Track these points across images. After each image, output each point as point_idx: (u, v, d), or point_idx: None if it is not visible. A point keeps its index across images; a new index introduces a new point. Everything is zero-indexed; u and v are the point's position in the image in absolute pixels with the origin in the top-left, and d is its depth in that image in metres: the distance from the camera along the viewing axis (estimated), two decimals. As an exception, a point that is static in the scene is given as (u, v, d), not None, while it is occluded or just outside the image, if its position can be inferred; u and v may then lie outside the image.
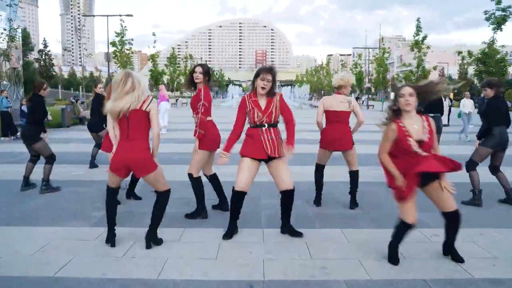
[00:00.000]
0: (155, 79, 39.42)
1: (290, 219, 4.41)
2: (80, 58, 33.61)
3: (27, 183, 6.44)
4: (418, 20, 30.11)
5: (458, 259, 3.70)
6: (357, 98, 49.11)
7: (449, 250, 3.76)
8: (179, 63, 51.20)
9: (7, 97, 14.63)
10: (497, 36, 21.92)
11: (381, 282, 3.28)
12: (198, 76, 4.77)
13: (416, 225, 3.57)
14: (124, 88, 3.68)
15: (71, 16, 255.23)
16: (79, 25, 28.79)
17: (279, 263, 3.65)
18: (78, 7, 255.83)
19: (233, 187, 4.15)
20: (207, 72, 4.85)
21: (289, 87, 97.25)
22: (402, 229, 3.58)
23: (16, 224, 4.70)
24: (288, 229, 4.37)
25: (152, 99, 3.85)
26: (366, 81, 49.17)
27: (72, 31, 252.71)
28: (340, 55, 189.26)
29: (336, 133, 5.20)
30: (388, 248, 3.69)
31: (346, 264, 3.64)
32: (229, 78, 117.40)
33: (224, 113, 21.56)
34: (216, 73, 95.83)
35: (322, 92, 73.44)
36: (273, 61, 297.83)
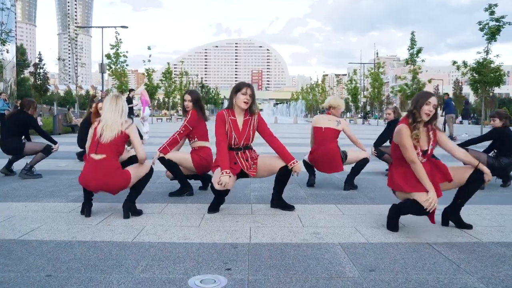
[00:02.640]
0: (151, 93, 39.24)
1: (282, 196, 4.10)
2: (76, 67, 33.36)
3: (8, 168, 6.12)
4: (412, 34, 30.32)
5: (464, 225, 3.39)
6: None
7: (455, 217, 3.45)
8: (174, 79, 51.07)
9: (5, 100, 14.37)
10: (491, 47, 21.98)
11: (380, 245, 2.96)
12: (188, 105, 4.72)
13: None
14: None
15: (69, 35, 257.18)
16: (73, 35, 28.69)
17: (268, 230, 3.33)
18: (76, 22, 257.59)
19: (211, 184, 3.73)
20: (197, 99, 4.75)
21: (285, 104, 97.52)
22: (418, 208, 3.18)
23: (-14, 201, 4.36)
24: (279, 203, 4.05)
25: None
26: (361, 97, 49.13)
27: (69, 50, 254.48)
28: (336, 75, 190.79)
29: (323, 155, 5.02)
30: (389, 212, 3.38)
31: (341, 231, 3.32)
32: (224, 97, 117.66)
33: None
34: (212, 91, 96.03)
35: (318, 111, 73.41)
36: (269, 80, 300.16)
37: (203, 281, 2.28)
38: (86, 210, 3.68)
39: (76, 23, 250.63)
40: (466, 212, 3.82)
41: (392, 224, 3.35)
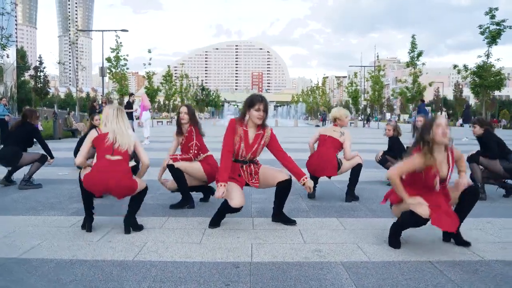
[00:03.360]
0: (151, 96, 39.32)
1: (283, 211, 4.08)
2: (77, 70, 33.44)
3: (8, 178, 6.12)
4: (413, 37, 30.34)
5: (462, 242, 3.37)
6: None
7: (454, 234, 3.43)
8: (175, 82, 51.13)
9: (5, 105, 14.37)
10: (492, 50, 22.01)
11: (382, 264, 2.94)
12: (183, 117, 4.73)
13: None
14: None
15: (69, 38, 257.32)
16: (74, 38, 28.75)
17: (269, 247, 3.31)
18: (76, 25, 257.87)
19: (231, 205, 3.63)
20: (193, 114, 4.80)
21: (285, 106, 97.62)
22: (413, 220, 3.17)
23: (-13, 214, 4.34)
24: (280, 218, 4.04)
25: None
26: (361, 100, 49.13)
27: (70, 53, 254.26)
28: (336, 77, 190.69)
29: (320, 159, 5.07)
30: (390, 229, 3.36)
31: (343, 248, 3.30)
32: (225, 99, 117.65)
33: (221, 131, 21.35)
34: (213, 94, 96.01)
35: (318, 113, 73.49)
36: (269, 83, 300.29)
37: (204, 305, 2.26)
38: (87, 225, 3.67)
39: (76, 25, 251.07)
40: (469, 227, 3.81)
41: (394, 241, 3.33)
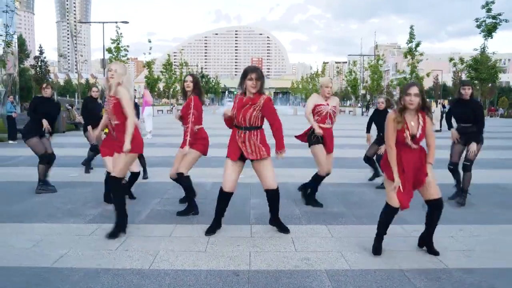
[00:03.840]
0: (151, 86, 39.64)
1: (278, 216, 4.59)
2: (76, 64, 33.81)
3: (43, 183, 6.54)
4: (411, 28, 30.58)
5: (432, 251, 3.90)
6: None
7: (427, 242, 3.95)
8: (175, 70, 51.38)
9: (12, 102, 14.83)
10: (488, 43, 22.37)
11: (360, 272, 3.47)
12: (189, 85, 5.11)
13: (399, 208, 3.75)
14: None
15: (67, 23, 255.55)
16: (75, 32, 28.99)
17: (265, 255, 3.84)
18: (74, 14, 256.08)
19: (221, 188, 4.29)
20: (197, 82, 5.18)
21: (285, 94, 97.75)
22: (388, 213, 3.80)
23: (11, 221, 4.86)
24: (276, 223, 4.54)
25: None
26: (360, 88, 49.51)
27: (68, 38, 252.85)
28: (336, 62, 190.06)
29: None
30: (375, 236, 3.92)
31: (328, 256, 3.83)
32: (225, 86, 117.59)
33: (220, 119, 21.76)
34: (212, 80, 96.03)
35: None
36: (269, 68, 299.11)
37: (211, 311, 2.79)
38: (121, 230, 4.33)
39: (74, 15, 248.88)
40: (441, 235, 4.33)
41: (376, 247, 3.87)
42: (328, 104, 5.37)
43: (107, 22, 29.94)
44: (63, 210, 5.35)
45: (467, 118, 5.81)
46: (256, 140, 4.20)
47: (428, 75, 31.11)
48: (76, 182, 7.26)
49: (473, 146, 5.70)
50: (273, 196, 4.37)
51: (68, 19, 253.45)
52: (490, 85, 38.80)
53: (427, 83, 76.57)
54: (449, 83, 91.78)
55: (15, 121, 14.35)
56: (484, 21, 22.11)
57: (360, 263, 3.68)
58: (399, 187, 3.64)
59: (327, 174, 5.56)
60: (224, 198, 4.32)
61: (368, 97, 52.72)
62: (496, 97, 73.45)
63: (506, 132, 21.09)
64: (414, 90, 3.64)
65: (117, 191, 4.37)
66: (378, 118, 6.84)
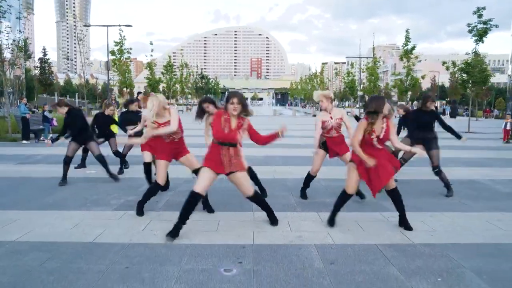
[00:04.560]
0: (153, 87, 40.50)
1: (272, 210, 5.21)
2: (80, 66, 34.62)
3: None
4: (407, 31, 31.43)
5: (408, 228, 4.88)
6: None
7: (402, 222, 4.95)
8: (175, 71, 52.27)
9: (26, 104, 15.66)
10: (479, 48, 23.22)
11: (342, 246, 4.34)
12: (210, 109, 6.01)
13: (353, 194, 4.95)
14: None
15: (67, 23, 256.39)
16: (81, 35, 29.82)
17: (265, 233, 4.70)
18: (74, 14, 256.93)
19: (193, 189, 4.52)
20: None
21: (284, 95, 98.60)
22: (344, 198, 4.95)
23: (49, 209, 5.71)
24: (269, 217, 5.15)
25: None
26: (358, 90, 50.41)
27: (68, 38, 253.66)
28: (335, 63, 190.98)
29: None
30: (330, 212, 5.03)
31: (317, 235, 4.69)
32: (224, 86, 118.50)
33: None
34: (212, 81, 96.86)
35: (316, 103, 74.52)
36: (268, 68, 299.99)
37: (225, 270, 3.66)
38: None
39: (74, 12, 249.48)
40: (414, 219, 5.19)
41: (331, 220, 5.01)
42: (332, 118, 6.03)
43: (111, 26, 30.75)
44: (91, 200, 6.20)
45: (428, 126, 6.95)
46: (238, 155, 4.66)
47: (423, 77, 31.96)
48: (95, 178, 8.10)
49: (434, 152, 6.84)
50: (254, 199, 4.91)
51: (67, 20, 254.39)
52: (485, 87, 39.72)
53: (425, 84, 77.44)
54: (446, 84, 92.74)
55: (28, 122, 15.19)
56: (476, 26, 22.95)
57: (343, 239, 4.54)
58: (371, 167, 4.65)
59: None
60: (194, 199, 4.51)
61: (366, 98, 53.65)
62: (493, 98, 74.21)
63: (495, 133, 21.98)
64: (388, 107, 4.65)
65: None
66: (404, 122, 8.07)
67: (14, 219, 5.17)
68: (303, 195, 6.49)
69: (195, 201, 4.53)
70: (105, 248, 4.19)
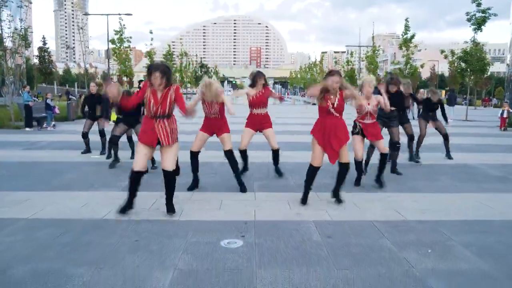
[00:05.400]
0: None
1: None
2: (80, 55, 34.68)
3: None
4: (406, 20, 31.44)
5: (339, 201, 5.31)
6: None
7: (335, 194, 5.36)
8: (174, 60, 52.23)
9: (29, 92, 15.83)
10: (477, 36, 23.32)
11: (338, 222, 4.58)
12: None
13: (320, 167, 5.17)
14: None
15: (65, 12, 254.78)
16: (82, 24, 29.83)
17: (266, 211, 4.95)
18: (72, 3, 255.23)
19: (132, 168, 4.62)
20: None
21: (284, 84, 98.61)
22: (310, 171, 5.20)
23: (58, 190, 5.94)
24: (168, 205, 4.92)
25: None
26: (358, 79, 50.50)
27: (66, 27, 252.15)
28: (335, 52, 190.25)
29: None
30: (303, 189, 5.29)
31: (316, 212, 4.94)
32: (224, 75, 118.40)
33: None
34: (211, 70, 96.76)
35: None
36: (267, 58, 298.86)
37: (228, 242, 3.90)
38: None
39: (72, 0, 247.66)
40: (407, 199, 5.45)
41: (303, 199, 5.28)
42: (369, 104, 6.16)
43: (111, 14, 30.77)
44: (99, 182, 6.43)
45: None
46: (171, 127, 4.64)
47: (422, 66, 32.08)
48: (100, 162, 8.32)
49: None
50: (167, 177, 4.73)
51: (65, 9, 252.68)
52: (484, 76, 39.87)
53: (424, 73, 77.42)
54: (446, 73, 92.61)
55: (31, 110, 15.39)
56: (474, 15, 23.02)
57: (340, 217, 4.78)
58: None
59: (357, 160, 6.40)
60: (136, 178, 4.65)
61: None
62: (493, 87, 74.16)
63: (492, 121, 22.20)
64: (335, 79, 4.93)
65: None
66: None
67: (25, 199, 5.40)
68: (358, 182, 6.49)
69: (138, 179, 4.69)
70: (114, 224, 4.42)
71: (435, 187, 6.40)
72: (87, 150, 9.40)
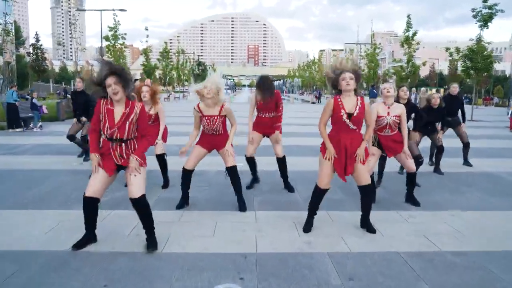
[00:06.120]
0: (148, 73, 39.69)
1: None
2: (72, 52, 33.71)
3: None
4: (408, 16, 30.61)
5: (370, 230, 4.27)
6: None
7: (365, 223, 4.35)
8: (171, 57, 51.37)
9: (17, 91, 14.94)
10: (483, 33, 22.52)
11: (358, 255, 3.72)
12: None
13: (327, 189, 4.27)
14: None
15: (62, 9, 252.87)
16: (73, 20, 28.86)
17: (269, 238, 4.08)
18: (69, 0, 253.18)
19: (84, 193, 3.72)
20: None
21: (281, 80, 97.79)
22: (317, 193, 4.32)
23: (27, 208, 5.06)
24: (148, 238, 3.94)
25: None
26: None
27: (63, 24, 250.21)
28: (332, 50, 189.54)
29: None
30: (308, 211, 4.42)
31: (330, 240, 4.08)
32: (221, 73, 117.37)
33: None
34: (209, 68, 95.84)
35: (314, 87, 74.10)
36: (265, 56, 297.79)
37: (224, 289, 3.04)
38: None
39: (68, 1, 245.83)
40: (435, 220, 4.61)
41: (306, 227, 4.34)
42: (389, 114, 5.18)
43: (104, 10, 29.79)
44: (74, 197, 5.56)
45: None
46: (131, 152, 3.75)
47: (424, 64, 31.23)
48: (82, 170, 7.44)
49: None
50: (135, 205, 3.78)
51: (62, 6, 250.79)
52: (485, 74, 39.18)
53: (424, 72, 76.62)
54: (445, 71, 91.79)
55: (18, 110, 14.50)
56: (480, 11, 22.20)
57: (360, 246, 3.93)
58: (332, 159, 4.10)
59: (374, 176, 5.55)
60: (89, 204, 3.75)
61: (364, 85, 52.83)
62: (492, 86, 73.52)
63: (499, 121, 21.40)
64: (348, 74, 3.99)
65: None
66: (429, 116, 6.97)
67: (-17, 220, 4.53)
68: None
69: (90, 207, 3.77)
70: (82, 259, 3.56)
71: (463, 202, 5.56)
72: (83, 152, 8.51)
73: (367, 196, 4.25)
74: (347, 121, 4.03)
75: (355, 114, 4.02)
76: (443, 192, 6.09)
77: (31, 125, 14.86)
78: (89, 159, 7.86)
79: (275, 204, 5.35)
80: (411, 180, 5.33)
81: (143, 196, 3.75)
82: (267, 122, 5.78)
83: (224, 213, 4.86)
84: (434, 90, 24.17)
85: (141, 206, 3.76)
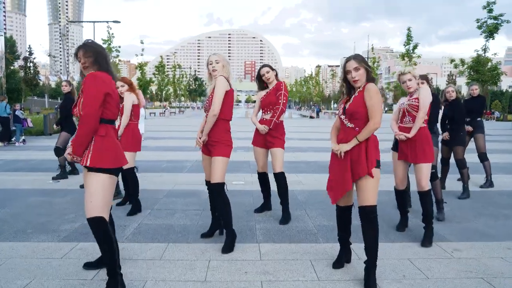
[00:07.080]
0: (144, 88, 38.84)
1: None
2: (67, 65, 32.90)
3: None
4: (408, 29, 30.04)
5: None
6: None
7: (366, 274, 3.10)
8: (167, 72, 50.56)
9: (7, 104, 14.05)
10: (489, 45, 21.84)
11: (406, 310, 2.70)
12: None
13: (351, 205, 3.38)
14: None
15: (60, 25, 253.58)
16: (64, 30, 28.12)
17: (280, 285, 3.04)
18: (67, 17, 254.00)
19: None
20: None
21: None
22: (337, 213, 3.45)
23: (-29, 239, 4.03)
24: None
25: None
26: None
27: (60, 41, 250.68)
28: (329, 66, 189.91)
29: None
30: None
31: (361, 287, 3.04)
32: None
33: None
34: (205, 83, 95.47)
35: (311, 102, 73.58)
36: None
37: None
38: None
39: (66, 15, 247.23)
40: (489, 255, 3.60)
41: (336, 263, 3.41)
42: (408, 100, 4.23)
43: (98, 22, 29.05)
44: (35, 225, 4.52)
45: None
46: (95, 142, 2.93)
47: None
48: (56, 189, 6.41)
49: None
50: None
51: (60, 22, 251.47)
52: (484, 87, 38.83)
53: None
54: (443, 86, 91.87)
55: (9, 123, 13.64)
56: (486, 22, 21.59)
57: (402, 296, 2.90)
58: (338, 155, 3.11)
59: (402, 189, 4.38)
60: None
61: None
62: (489, 100, 73.28)
63: (507, 135, 20.55)
64: (351, 64, 3.05)
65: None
66: (449, 111, 5.96)
67: None
68: (403, 225, 4.50)
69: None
70: (19, 320, 2.52)
71: (510, 228, 4.55)
72: (73, 169, 7.54)
73: (367, 220, 3.07)
74: (342, 117, 3.13)
75: (347, 106, 3.09)
76: (477, 215, 5.09)
77: (13, 139, 13.85)
78: (59, 179, 6.94)
79: (283, 233, 4.31)
80: (423, 204, 4.12)
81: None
82: (268, 125, 4.66)
83: (220, 247, 3.81)
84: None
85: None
